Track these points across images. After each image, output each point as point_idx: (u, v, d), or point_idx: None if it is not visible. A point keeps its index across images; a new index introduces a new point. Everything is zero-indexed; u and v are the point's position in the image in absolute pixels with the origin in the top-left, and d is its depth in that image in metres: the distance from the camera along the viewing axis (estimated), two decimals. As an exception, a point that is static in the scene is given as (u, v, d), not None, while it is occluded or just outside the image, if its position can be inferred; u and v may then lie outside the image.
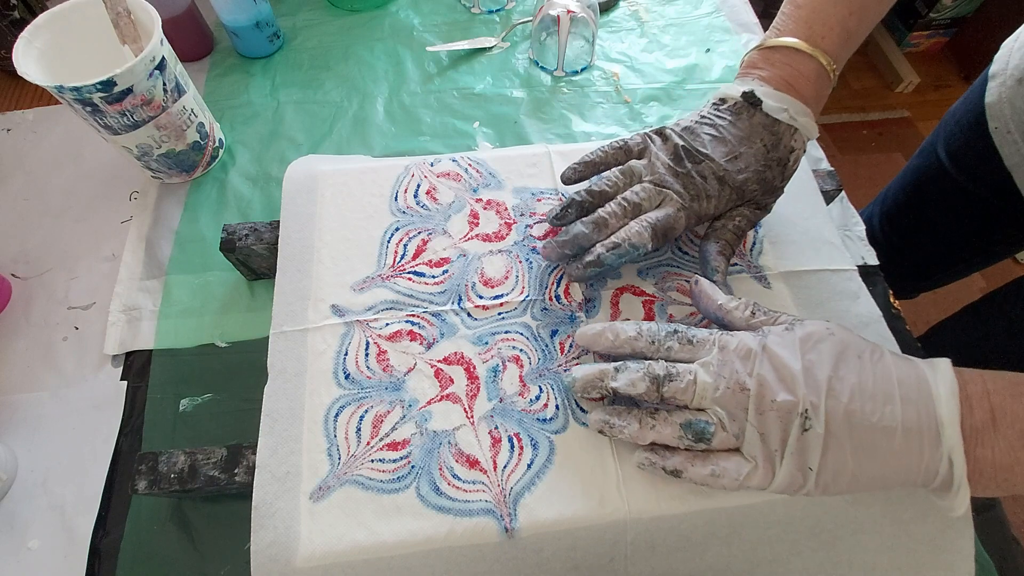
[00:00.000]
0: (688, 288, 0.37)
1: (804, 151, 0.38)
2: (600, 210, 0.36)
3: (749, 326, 0.32)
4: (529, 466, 0.34)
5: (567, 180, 0.39)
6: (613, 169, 0.38)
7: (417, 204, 0.44)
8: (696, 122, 0.39)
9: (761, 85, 0.37)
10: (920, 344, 0.44)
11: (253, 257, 0.44)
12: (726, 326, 0.33)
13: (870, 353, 0.29)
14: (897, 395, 0.27)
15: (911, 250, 0.66)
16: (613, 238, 0.35)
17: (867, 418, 0.27)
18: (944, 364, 0.29)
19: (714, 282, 0.36)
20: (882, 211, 0.68)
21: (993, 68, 0.51)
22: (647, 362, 0.31)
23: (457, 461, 0.34)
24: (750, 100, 0.37)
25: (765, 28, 0.65)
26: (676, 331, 0.32)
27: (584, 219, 0.36)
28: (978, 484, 0.27)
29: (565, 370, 0.35)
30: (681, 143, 0.38)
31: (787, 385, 0.28)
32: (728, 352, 0.30)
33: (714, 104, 0.39)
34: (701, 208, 0.37)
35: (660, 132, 0.39)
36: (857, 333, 0.31)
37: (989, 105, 0.51)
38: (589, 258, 0.35)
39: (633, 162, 0.38)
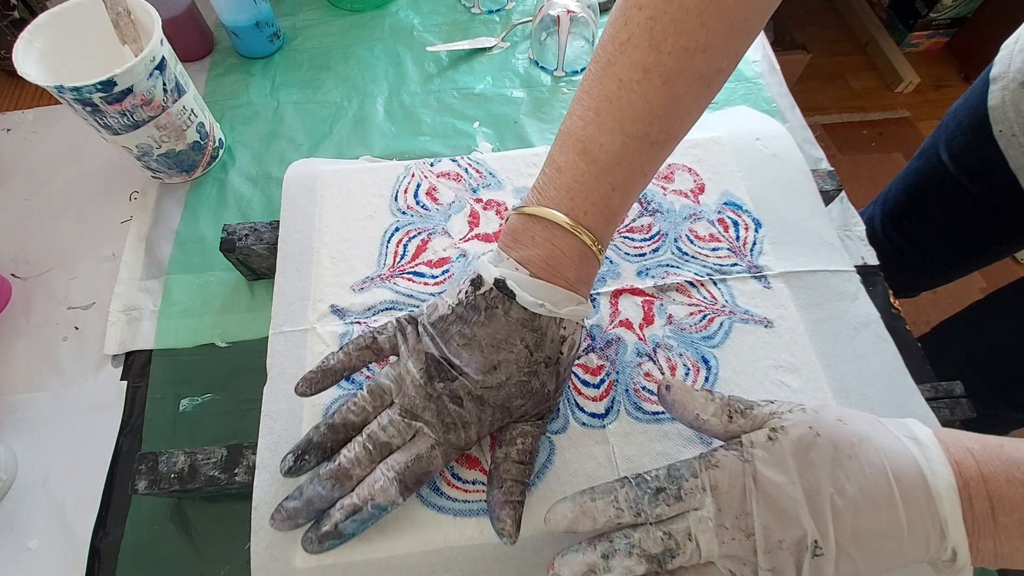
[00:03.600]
0: (686, 288, 0.36)
1: (582, 328, 0.33)
2: (342, 457, 0.31)
3: (728, 433, 0.29)
4: (529, 466, 0.34)
5: (303, 394, 0.32)
6: (362, 389, 0.32)
7: (417, 204, 0.44)
8: (450, 312, 0.32)
9: (517, 268, 0.31)
10: (921, 343, 0.44)
11: (253, 257, 0.44)
12: (702, 432, 0.31)
13: (858, 446, 0.27)
14: (898, 497, 0.26)
15: (912, 250, 0.66)
16: (353, 498, 0.30)
17: (874, 529, 0.26)
18: (933, 447, 0.27)
19: (504, 541, 0.30)
20: (883, 211, 0.68)
21: (994, 71, 0.51)
22: (636, 535, 0.27)
23: (457, 461, 0.34)
24: (503, 291, 0.31)
25: (765, 29, 0.65)
26: (661, 491, 0.28)
27: (321, 473, 0.30)
28: (979, 565, 0.27)
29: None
30: (434, 351, 0.31)
31: (791, 519, 0.26)
32: (720, 495, 0.27)
33: (472, 283, 0.32)
34: (459, 440, 0.31)
35: (413, 321, 0.33)
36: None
37: (992, 108, 0.51)
38: (326, 528, 0.30)
39: (382, 376, 0.32)
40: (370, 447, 0.31)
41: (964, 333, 0.68)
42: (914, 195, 0.64)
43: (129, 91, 0.42)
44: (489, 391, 0.31)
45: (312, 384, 0.32)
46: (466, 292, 0.32)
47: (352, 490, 0.30)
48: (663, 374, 0.37)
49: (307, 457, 0.31)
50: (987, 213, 0.57)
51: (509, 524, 0.30)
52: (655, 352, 0.38)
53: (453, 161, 0.46)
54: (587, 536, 0.28)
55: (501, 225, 0.43)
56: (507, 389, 0.31)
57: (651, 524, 0.27)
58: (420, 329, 0.32)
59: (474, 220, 0.43)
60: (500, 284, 0.31)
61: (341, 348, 0.33)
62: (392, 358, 0.34)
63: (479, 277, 0.32)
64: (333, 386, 0.33)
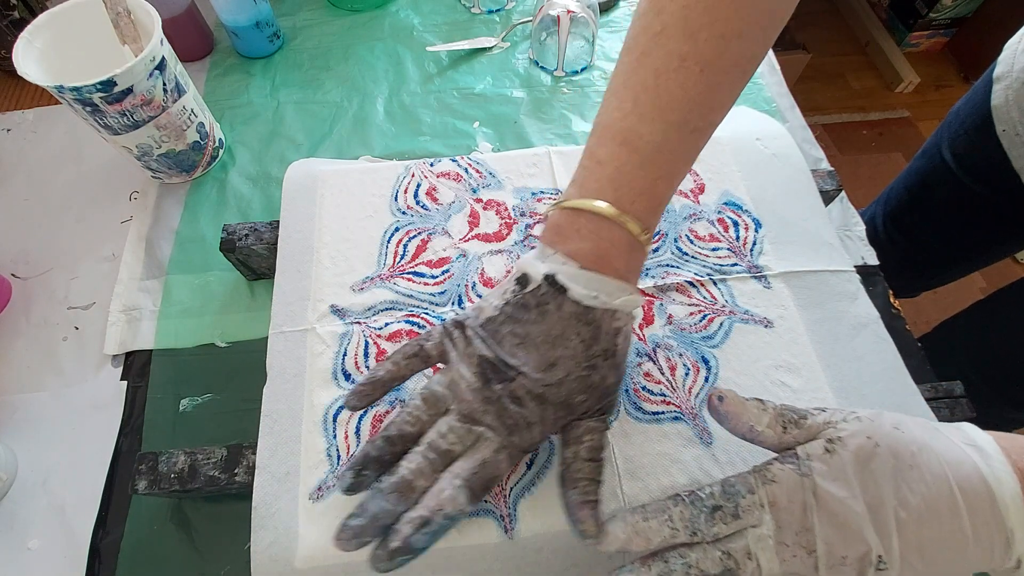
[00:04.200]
0: (685, 289, 0.35)
1: (632, 320, 0.32)
2: (403, 468, 0.29)
3: (782, 444, 0.28)
4: (529, 467, 0.34)
5: (354, 408, 0.32)
6: (414, 397, 0.31)
7: (417, 204, 0.44)
8: (498, 313, 0.31)
9: (565, 262, 0.30)
10: (923, 343, 0.44)
11: (253, 257, 0.44)
12: (755, 443, 0.30)
13: (918, 455, 0.26)
14: (962, 507, 0.25)
15: (915, 249, 0.66)
16: (421, 510, 0.28)
17: (938, 540, 0.26)
18: (996, 455, 0.26)
19: (582, 540, 0.29)
20: (885, 211, 0.68)
21: (998, 70, 0.51)
22: (693, 555, 0.26)
23: (457, 461, 0.34)
24: (554, 286, 0.30)
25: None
26: (717, 509, 0.27)
27: (383, 486, 0.28)
28: None
29: None
30: (487, 353, 0.30)
31: (854, 534, 0.25)
32: (780, 511, 0.26)
33: (517, 282, 0.31)
34: (524, 441, 0.30)
35: (460, 327, 0.32)
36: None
37: (996, 108, 0.51)
38: (395, 544, 0.27)
39: (435, 384, 0.31)
40: (431, 456, 0.29)
41: (966, 333, 0.68)
42: (916, 194, 0.64)
43: (129, 91, 0.42)
44: (550, 389, 0.30)
45: (363, 397, 0.32)
46: (513, 291, 0.31)
47: (416, 502, 0.29)
48: (663, 374, 0.37)
49: (366, 472, 0.29)
50: (989, 213, 0.57)
51: (591, 524, 0.28)
52: (655, 352, 0.38)
53: (453, 161, 0.46)
54: (639, 555, 0.27)
55: (501, 225, 0.43)
56: (568, 385, 0.30)
57: (708, 543, 0.27)
58: (469, 333, 0.31)
59: (474, 220, 0.43)
60: (550, 279, 0.30)
61: (388, 358, 0.32)
62: (439, 365, 0.33)
63: (524, 275, 0.31)
64: (333, 387, 0.33)
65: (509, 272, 0.40)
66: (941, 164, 0.59)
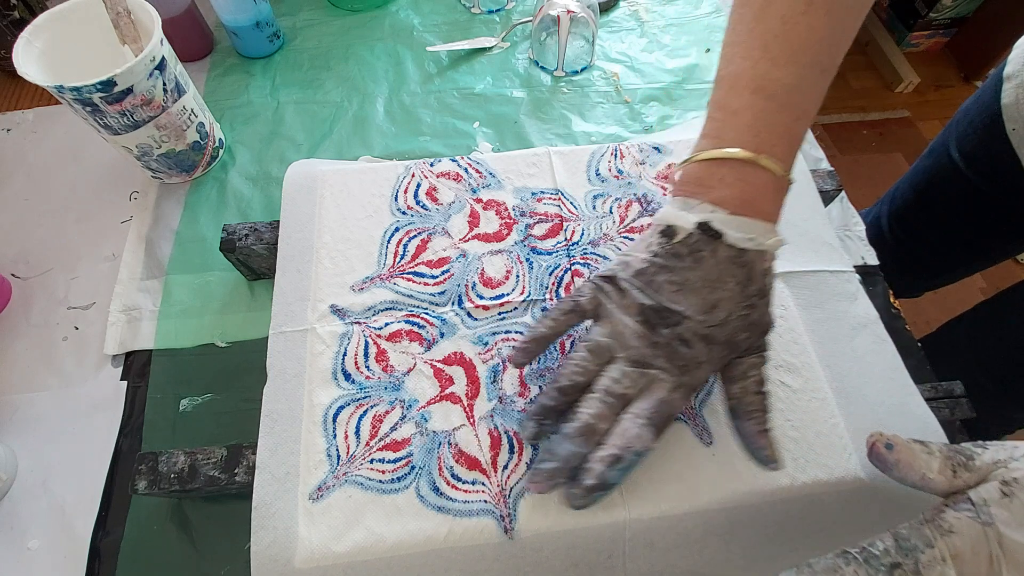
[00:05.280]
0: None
1: (774, 259, 0.33)
2: (583, 413, 0.31)
3: (952, 488, 0.27)
4: (529, 466, 0.34)
5: (519, 364, 0.34)
6: (579, 349, 0.33)
7: (417, 204, 0.44)
8: (649, 264, 0.32)
9: (714, 209, 0.31)
10: (928, 342, 0.44)
11: (253, 257, 0.44)
12: (923, 490, 0.29)
13: None
14: None
15: (921, 249, 0.66)
16: (611, 449, 0.30)
17: None
18: None
19: (768, 468, 0.31)
20: (890, 210, 0.68)
21: (1008, 69, 0.51)
22: None
23: (457, 461, 0.34)
24: (708, 232, 0.31)
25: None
26: (896, 567, 0.25)
27: (568, 431, 0.30)
28: None
29: None
30: (648, 301, 0.32)
31: None
32: (964, 565, 0.25)
33: (662, 235, 0.32)
34: (695, 379, 0.32)
35: (611, 280, 0.33)
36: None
37: (1006, 107, 0.51)
38: (591, 481, 0.29)
39: (597, 335, 0.33)
40: (609, 401, 0.31)
41: (972, 332, 0.68)
42: (923, 193, 0.64)
43: (129, 91, 0.42)
44: (714, 329, 0.31)
45: (527, 353, 0.33)
46: (660, 243, 0.32)
47: (599, 444, 0.30)
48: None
49: (546, 421, 0.32)
50: (998, 212, 0.57)
51: (773, 450, 0.31)
52: (655, 352, 0.38)
53: (453, 161, 0.46)
54: None
55: (501, 225, 0.43)
56: (731, 325, 0.31)
57: None
58: (624, 285, 0.33)
59: (474, 220, 0.43)
60: (704, 227, 0.31)
61: (546, 315, 0.34)
62: (587, 322, 0.34)
63: (670, 227, 0.32)
64: (333, 387, 0.33)
65: (509, 272, 0.41)
66: (949, 163, 0.58)
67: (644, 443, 0.30)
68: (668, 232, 0.32)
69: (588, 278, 0.35)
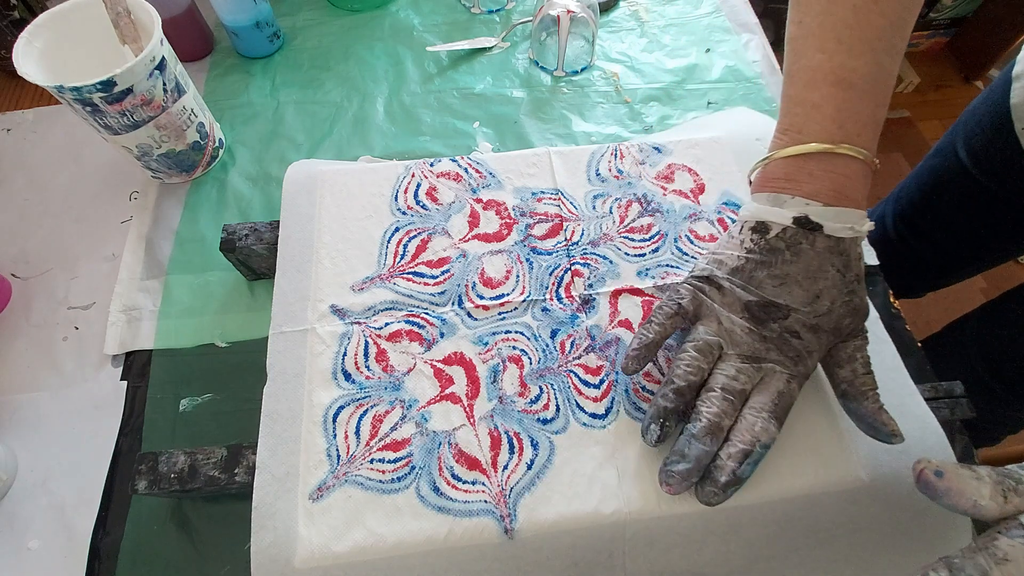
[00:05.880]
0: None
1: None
2: (706, 412, 0.31)
3: (1003, 514, 0.27)
4: (529, 466, 0.34)
5: (632, 371, 0.34)
6: (686, 349, 0.33)
7: (417, 204, 0.44)
8: (745, 261, 0.33)
9: (808, 202, 0.32)
10: (934, 342, 0.44)
11: (253, 257, 0.44)
12: (974, 516, 0.28)
13: None
14: None
15: (927, 249, 0.66)
16: (739, 445, 0.30)
17: None
18: None
19: (890, 443, 0.31)
20: (895, 210, 0.68)
21: (1017, 68, 0.51)
22: None
23: (457, 461, 0.34)
24: (806, 225, 0.32)
25: (765, 28, 0.66)
26: None
27: (694, 431, 0.31)
28: None
29: None
30: (752, 298, 0.33)
31: None
32: None
33: (754, 231, 0.34)
34: (807, 368, 0.33)
35: (708, 280, 0.34)
36: None
37: (1015, 106, 0.50)
38: (725, 478, 0.30)
39: (704, 334, 0.33)
40: (730, 398, 0.32)
41: (978, 332, 0.68)
42: (930, 193, 0.63)
43: (129, 91, 0.42)
44: (821, 318, 0.32)
45: (640, 360, 0.34)
46: (752, 240, 0.34)
47: (724, 440, 0.31)
48: (663, 374, 0.37)
49: (668, 424, 0.32)
50: (1005, 211, 0.57)
51: (895, 425, 0.32)
52: (655, 352, 0.38)
53: (453, 161, 0.46)
54: None
55: (501, 225, 0.43)
56: (836, 311, 0.32)
57: None
58: (724, 285, 0.34)
59: (474, 220, 0.43)
60: (802, 221, 0.32)
61: (651, 321, 0.34)
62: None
63: (762, 224, 0.33)
64: (333, 387, 0.33)
65: (509, 272, 0.41)
66: (956, 163, 0.58)
67: (771, 436, 0.31)
68: (760, 228, 0.33)
69: (684, 280, 0.36)
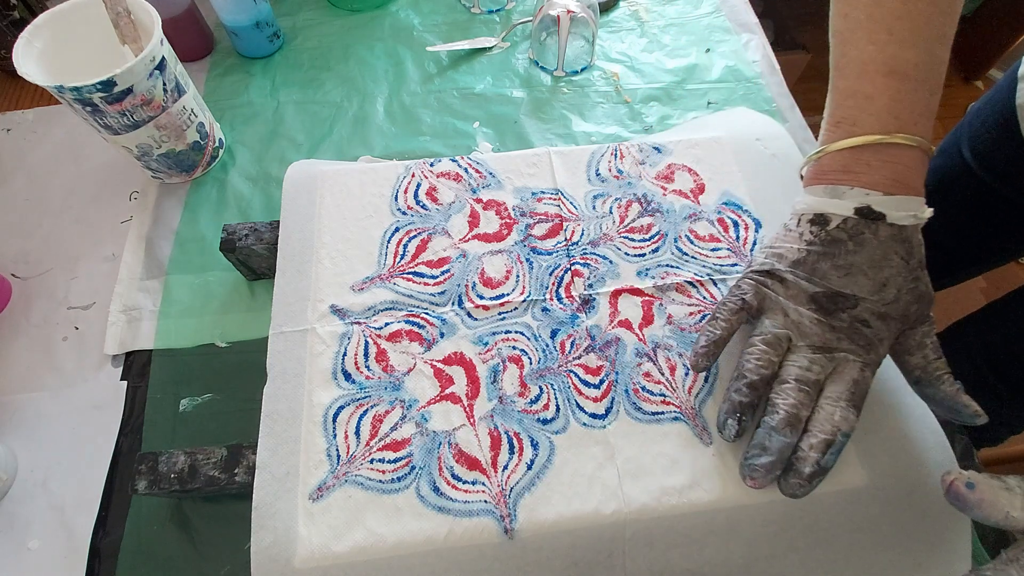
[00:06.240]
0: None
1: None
2: (782, 405, 0.31)
3: None
4: (529, 466, 0.34)
5: (702, 369, 0.34)
6: (756, 344, 0.33)
7: (417, 204, 0.44)
8: (807, 253, 0.33)
9: (868, 193, 0.32)
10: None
11: (253, 257, 0.44)
12: (1006, 528, 0.29)
13: None
14: None
15: (931, 249, 0.66)
16: (820, 435, 0.30)
17: None
18: None
19: (974, 423, 0.31)
20: None
21: (1022, 69, 0.51)
22: None
23: (457, 461, 0.34)
24: (869, 216, 0.32)
25: (765, 28, 0.66)
26: None
27: (773, 424, 0.31)
28: None
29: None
30: (818, 289, 0.33)
31: None
32: None
33: (813, 223, 0.34)
34: (879, 356, 0.33)
35: (770, 274, 0.35)
36: None
37: (1020, 107, 0.50)
38: (810, 469, 0.30)
39: (771, 327, 0.33)
40: (806, 389, 0.31)
41: (982, 333, 0.68)
42: (933, 193, 0.63)
43: (129, 91, 0.42)
44: (889, 306, 0.32)
45: (709, 357, 0.34)
46: (812, 232, 0.34)
47: (803, 431, 0.31)
48: (663, 375, 0.37)
49: (744, 418, 0.32)
50: (1010, 211, 0.57)
51: (976, 405, 0.31)
52: (655, 352, 0.38)
53: (453, 161, 0.46)
54: None
55: (501, 225, 0.43)
56: (903, 298, 0.32)
57: None
58: (788, 277, 0.34)
59: (474, 220, 0.43)
60: (864, 211, 0.32)
61: (717, 317, 0.34)
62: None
63: (822, 216, 0.33)
64: (333, 387, 0.33)
65: (509, 272, 0.41)
66: (960, 163, 0.58)
67: (850, 424, 0.31)
68: (819, 220, 0.33)
69: (744, 275, 0.36)
